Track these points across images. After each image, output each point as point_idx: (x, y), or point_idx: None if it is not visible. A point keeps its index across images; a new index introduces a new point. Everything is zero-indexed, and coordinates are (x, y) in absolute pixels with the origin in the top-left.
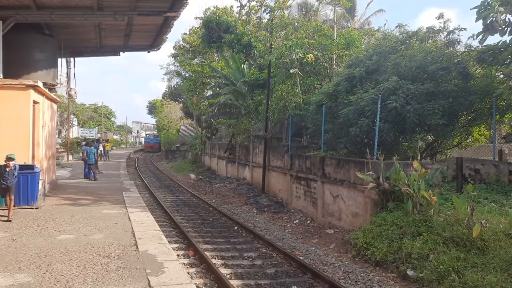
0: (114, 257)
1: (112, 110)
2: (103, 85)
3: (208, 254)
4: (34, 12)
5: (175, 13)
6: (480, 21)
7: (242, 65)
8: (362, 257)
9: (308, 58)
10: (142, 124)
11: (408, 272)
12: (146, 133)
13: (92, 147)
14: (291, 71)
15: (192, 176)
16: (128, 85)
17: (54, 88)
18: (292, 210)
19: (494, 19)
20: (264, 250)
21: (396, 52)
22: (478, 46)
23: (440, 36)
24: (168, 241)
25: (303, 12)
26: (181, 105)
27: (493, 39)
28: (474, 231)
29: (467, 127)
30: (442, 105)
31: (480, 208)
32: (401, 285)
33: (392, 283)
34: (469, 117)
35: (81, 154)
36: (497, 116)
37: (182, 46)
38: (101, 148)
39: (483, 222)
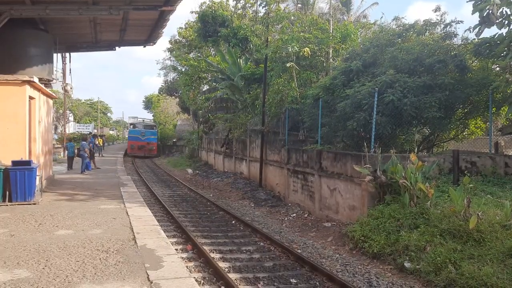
0: (112, 252)
1: (108, 106)
2: (96, 82)
3: (206, 248)
4: (29, 7)
5: (171, 7)
6: (474, 14)
7: (239, 59)
8: (359, 249)
9: (304, 52)
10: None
11: (405, 264)
12: (130, 122)
13: (71, 142)
14: (288, 65)
15: (189, 171)
16: (121, 82)
17: (50, 84)
18: (289, 204)
19: (490, 11)
20: (262, 244)
21: (393, 45)
22: (475, 39)
23: (437, 29)
24: (167, 236)
25: (299, 5)
26: (177, 100)
27: (489, 32)
28: (470, 223)
29: (463, 119)
30: (438, 98)
31: (476, 200)
32: (398, 277)
33: (390, 275)
34: (466, 110)
35: (76, 151)
36: (493, 109)
37: (178, 40)
38: (96, 142)
39: (479, 214)
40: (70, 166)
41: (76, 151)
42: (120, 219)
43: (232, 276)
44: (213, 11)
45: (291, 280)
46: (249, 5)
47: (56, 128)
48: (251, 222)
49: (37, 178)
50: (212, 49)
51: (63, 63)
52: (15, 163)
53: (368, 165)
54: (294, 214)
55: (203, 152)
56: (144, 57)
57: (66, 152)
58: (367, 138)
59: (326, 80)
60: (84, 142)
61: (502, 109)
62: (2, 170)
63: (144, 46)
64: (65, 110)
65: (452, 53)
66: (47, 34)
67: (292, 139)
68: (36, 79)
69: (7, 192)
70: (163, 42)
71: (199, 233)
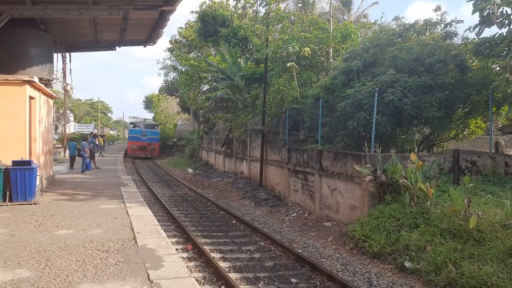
0: (113, 252)
1: (109, 106)
2: (96, 82)
3: (206, 248)
4: (29, 7)
5: (171, 7)
6: (474, 14)
7: (239, 59)
8: (359, 249)
9: (304, 51)
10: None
11: (405, 263)
12: (130, 121)
13: (73, 142)
14: (288, 64)
15: (190, 170)
16: (121, 82)
17: (50, 84)
18: (289, 204)
19: (490, 11)
20: (262, 244)
21: (393, 45)
22: (475, 39)
23: (437, 28)
24: (167, 236)
25: (300, 5)
26: (178, 100)
27: (489, 31)
28: (470, 222)
29: (463, 119)
30: (439, 97)
31: (476, 200)
32: (398, 277)
33: (390, 275)
34: (466, 110)
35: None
36: (493, 108)
37: (178, 40)
38: (97, 142)
39: (479, 213)
40: (72, 165)
41: (76, 150)
42: (120, 219)
43: (233, 275)
44: (213, 11)
45: (292, 279)
46: (249, 5)
47: (56, 128)
48: (251, 222)
49: (38, 178)
50: (212, 49)
51: (63, 63)
52: (15, 163)
53: (368, 165)
54: (295, 214)
55: (203, 152)
56: (144, 57)
57: (69, 151)
58: (367, 137)
59: (326, 80)
60: (84, 142)
61: (502, 108)
62: (2, 170)
63: (145, 46)
64: (66, 110)
65: (452, 53)
66: (47, 34)
67: (292, 139)
68: (36, 79)
69: (8, 192)
70: (163, 42)
71: (199, 233)
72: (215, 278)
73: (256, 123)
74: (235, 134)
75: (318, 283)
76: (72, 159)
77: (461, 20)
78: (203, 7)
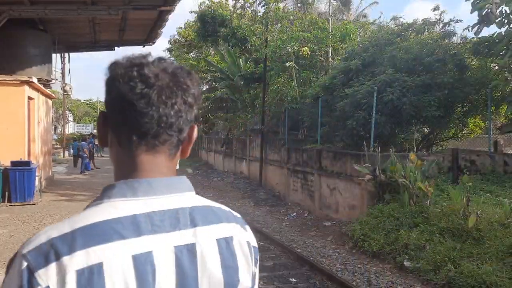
0: None
1: None
2: (96, 82)
3: None
4: (28, 7)
5: (170, 7)
6: (473, 13)
7: (238, 59)
8: (359, 248)
9: (303, 51)
10: None
11: (405, 262)
12: None
13: (76, 142)
14: (287, 64)
15: (189, 170)
16: None
17: (49, 84)
18: (289, 203)
19: (489, 10)
20: (262, 243)
21: (392, 44)
22: (474, 38)
23: (436, 28)
24: None
25: (299, 5)
26: None
27: (488, 31)
28: (469, 221)
29: (462, 118)
30: (438, 97)
31: (475, 199)
32: (398, 276)
33: (389, 274)
34: (465, 109)
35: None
36: (492, 107)
37: (177, 40)
38: (96, 143)
39: (478, 212)
40: (75, 165)
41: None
42: None
43: None
44: (212, 11)
45: (291, 279)
46: (248, 5)
47: (55, 128)
48: (251, 222)
49: (37, 178)
50: (211, 49)
51: (62, 63)
52: (14, 163)
53: (367, 164)
54: (294, 214)
55: (203, 152)
56: None
57: (72, 151)
58: (366, 137)
59: (325, 79)
60: (84, 142)
61: (501, 107)
62: (1, 170)
63: (144, 46)
64: (65, 111)
65: (451, 52)
66: (46, 34)
67: (292, 139)
68: (35, 80)
69: (7, 193)
70: (162, 42)
71: None
72: None
73: (256, 123)
74: (235, 134)
75: (317, 282)
76: (75, 158)
77: (459, 20)
78: (202, 7)
